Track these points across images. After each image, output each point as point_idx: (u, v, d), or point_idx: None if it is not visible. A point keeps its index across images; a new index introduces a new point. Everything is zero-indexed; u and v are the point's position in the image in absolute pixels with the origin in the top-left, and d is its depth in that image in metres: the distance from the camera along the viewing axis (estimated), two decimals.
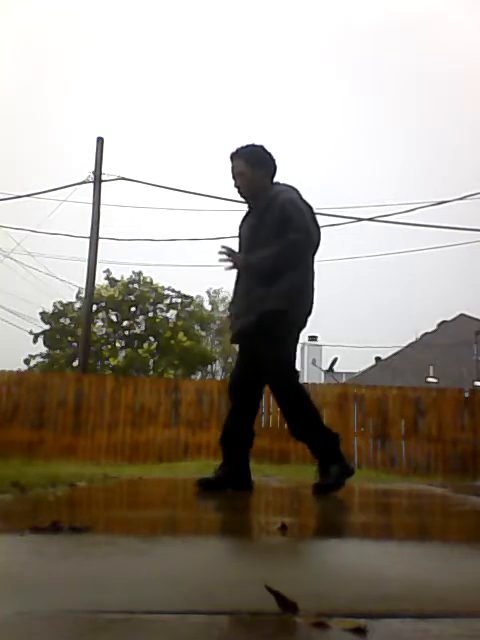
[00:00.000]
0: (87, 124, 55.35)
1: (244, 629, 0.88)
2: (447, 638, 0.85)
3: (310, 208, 3.74)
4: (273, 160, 3.82)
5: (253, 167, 3.72)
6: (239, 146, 3.80)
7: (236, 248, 3.80)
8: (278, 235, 3.55)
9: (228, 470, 3.66)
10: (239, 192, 3.82)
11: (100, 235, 14.35)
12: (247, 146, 3.80)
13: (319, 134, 76.66)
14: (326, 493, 3.46)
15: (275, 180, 3.84)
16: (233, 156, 3.80)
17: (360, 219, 15.07)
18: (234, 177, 3.79)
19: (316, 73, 75.39)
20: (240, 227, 3.90)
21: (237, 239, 3.90)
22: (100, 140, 14.72)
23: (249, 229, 3.76)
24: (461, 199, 14.26)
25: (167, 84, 74.52)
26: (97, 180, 14.42)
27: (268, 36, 68.86)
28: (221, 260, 3.60)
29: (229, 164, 3.83)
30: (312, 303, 3.74)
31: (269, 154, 3.81)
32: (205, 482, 3.66)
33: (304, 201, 3.74)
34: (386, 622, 0.90)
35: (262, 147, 3.82)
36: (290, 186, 3.80)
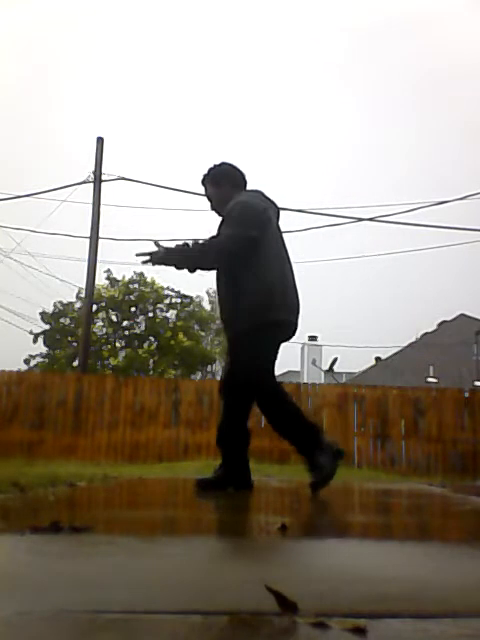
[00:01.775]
0: (87, 124, 55.36)
1: (244, 629, 0.88)
2: (447, 638, 0.85)
3: (266, 209, 3.74)
4: (239, 172, 3.94)
5: (219, 186, 3.87)
6: (204, 172, 3.94)
7: None
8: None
9: (227, 470, 3.66)
10: (216, 213, 3.92)
11: (100, 235, 14.36)
12: (210, 169, 3.94)
13: (320, 135, 76.67)
14: (325, 485, 3.49)
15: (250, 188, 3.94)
16: (202, 182, 3.96)
17: (360, 219, 15.07)
18: (209, 201, 3.94)
19: (317, 74, 75.44)
20: None
21: None
22: (100, 140, 14.72)
23: None
24: (461, 199, 14.27)
25: (167, 84, 74.50)
26: (97, 180, 14.42)
27: (270, 36, 68.90)
28: (138, 255, 3.64)
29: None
30: (285, 296, 3.64)
31: (234, 167, 3.94)
32: (204, 483, 3.66)
33: (266, 198, 3.82)
34: (386, 622, 0.90)
35: (225, 163, 3.96)
36: (252, 191, 3.88)
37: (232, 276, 3.65)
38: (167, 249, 3.58)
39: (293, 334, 3.78)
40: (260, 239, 3.60)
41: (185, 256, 3.59)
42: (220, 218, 3.85)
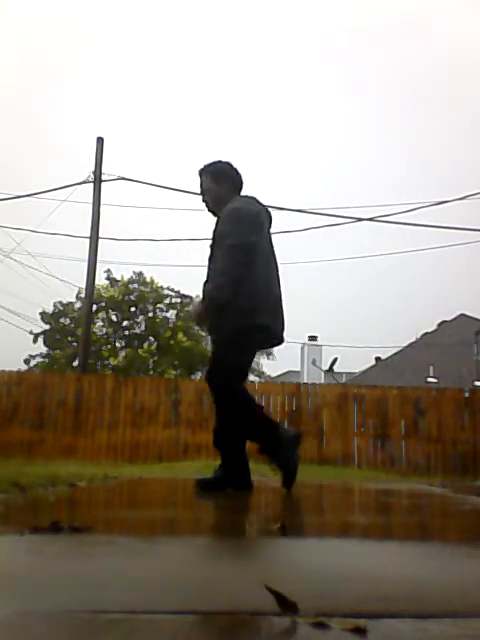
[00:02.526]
0: (87, 124, 55.34)
1: (244, 629, 0.88)
2: (447, 638, 0.85)
3: (259, 212, 3.78)
4: (239, 175, 3.96)
5: (218, 183, 3.87)
6: (205, 163, 3.94)
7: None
8: (218, 246, 3.65)
9: (227, 471, 3.66)
10: (207, 207, 3.95)
11: (100, 235, 14.36)
12: (213, 163, 3.95)
13: (320, 135, 76.68)
14: (294, 479, 3.57)
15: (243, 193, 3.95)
16: (200, 173, 3.95)
17: (360, 219, 15.07)
18: (202, 193, 3.94)
19: (317, 73, 75.44)
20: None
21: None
22: (100, 140, 14.72)
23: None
24: (461, 199, 14.28)
25: (167, 84, 74.52)
26: (97, 180, 14.41)
27: (270, 36, 68.90)
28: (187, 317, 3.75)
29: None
30: (268, 302, 3.68)
31: (235, 169, 3.95)
32: (204, 483, 3.67)
33: (259, 204, 3.84)
34: (386, 622, 0.90)
35: (228, 163, 3.96)
36: (246, 196, 3.90)
37: None
38: (203, 297, 3.62)
39: (277, 342, 3.83)
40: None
41: (220, 289, 3.57)
42: (212, 214, 3.91)
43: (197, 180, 3.98)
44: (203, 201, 3.96)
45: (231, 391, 3.61)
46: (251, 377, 31.85)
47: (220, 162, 3.96)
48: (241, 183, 3.96)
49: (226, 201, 3.81)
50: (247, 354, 3.75)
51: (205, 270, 3.82)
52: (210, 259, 3.77)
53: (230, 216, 3.68)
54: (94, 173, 14.49)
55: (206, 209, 3.97)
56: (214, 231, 3.83)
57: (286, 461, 3.55)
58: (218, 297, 3.57)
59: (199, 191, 3.97)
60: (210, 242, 3.84)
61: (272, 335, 3.76)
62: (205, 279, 3.76)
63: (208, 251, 3.84)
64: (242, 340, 3.63)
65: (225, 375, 3.62)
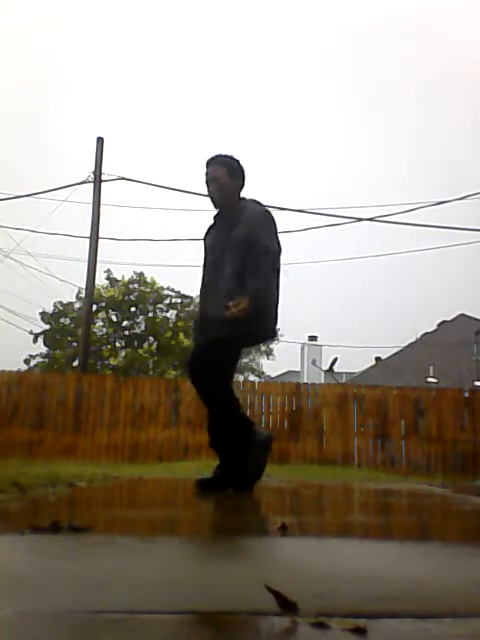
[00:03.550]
0: (87, 124, 55.32)
1: (244, 629, 0.88)
2: (447, 638, 0.85)
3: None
4: (245, 175, 3.94)
5: (230, 176, 3.83)
6: (219, 154, 3.89)
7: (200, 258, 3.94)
8: (248, 250, 3.59)
9: (227, 470, 3.66)
10: (211, 197, 3.87)
11: (100, 235, 14.35)
12: (228, 156, 3.90)
13: (320, 135, 76.69)
14: (259, 477, 3.66)
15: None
16: (211, 162, 3.88)
17: (360, 219, 15.07)
18: (208, 182, 3.86)
19: (317, 73, 75.46)
20: (205, 237, 3.98)
21: (203, 249, 3.97)
22: (100, 140, 14.72)
23: (216, 241, 3.82)
24: (461, 199, 14.28)
25: (167, 84, 74.52)
26: (97, 180, 14.41)
27: (270, 35, 68.90)
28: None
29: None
30: (275, 307, 3.74)
31: (243, 169, 3.93)
32: (204, 482, 3.66)
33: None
34: (386, 622, 0.90)
35: (239, 161, 3.93)
36: (253, 199, 3.90)
37: (241, 283, 3.59)
38: (250, 297, 3.46)
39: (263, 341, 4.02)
40: None
41: (267, 290, 3.56)
42: (213, 205, 3.88)
43: (199, 176, 3.92)
44: (211, 192, 3.85)
45: (221, 388, 3.62)
46: (251, 377, 31.90)
47: (236, 159, 3.91)
48: (245, 184, 3.95)
49: (232, 197, 3.80)
50: (238, 355, 3.86)
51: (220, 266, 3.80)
52: (226, 257, 3.70)
53: (264, 220, 3.71)
54: (94, 173, 14.49)
55: (210, 199, 3.87)
56: (226, 228, 3.77)
57: (253, 462, 3.58)
58: (266, 298, 3.57)
59: (209, 181, 3.85)
60: (221, 238, 3.78)
61: (270, 337, 3.89)
62: (227, 276, 3.67)
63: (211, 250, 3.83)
64: (245, 342, 3.67)
65: (219, 374, 3.61)
